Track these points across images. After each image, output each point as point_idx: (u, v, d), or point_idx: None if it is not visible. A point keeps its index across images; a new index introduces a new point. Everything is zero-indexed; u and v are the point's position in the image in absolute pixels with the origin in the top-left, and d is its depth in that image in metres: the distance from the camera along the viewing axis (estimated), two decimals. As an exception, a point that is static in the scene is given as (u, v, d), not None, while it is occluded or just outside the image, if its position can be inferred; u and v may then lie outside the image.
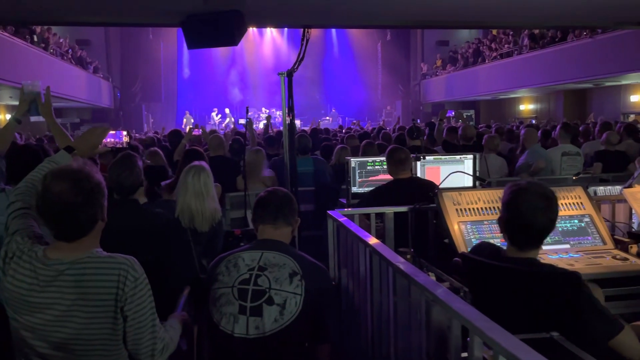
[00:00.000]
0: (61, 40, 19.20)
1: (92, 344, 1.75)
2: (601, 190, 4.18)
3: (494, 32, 22.42)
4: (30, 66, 14.72)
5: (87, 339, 1.74)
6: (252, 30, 23.55)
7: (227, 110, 24.23)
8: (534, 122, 15.39)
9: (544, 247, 2.99)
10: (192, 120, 22.59)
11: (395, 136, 7.33)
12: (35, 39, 15.81)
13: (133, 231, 2.80)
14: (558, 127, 6.76)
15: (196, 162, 3.35)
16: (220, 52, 24.67)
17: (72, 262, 1.74)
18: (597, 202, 3.40)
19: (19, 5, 5.54)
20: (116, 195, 3.01)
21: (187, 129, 7.47)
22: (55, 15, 6.18)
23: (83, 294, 1.72)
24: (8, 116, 18.86)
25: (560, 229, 3.13)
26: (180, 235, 3.10)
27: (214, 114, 24.11)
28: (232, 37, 5.79)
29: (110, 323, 1.74)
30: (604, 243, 3.08)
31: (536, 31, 17.85)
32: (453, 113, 14.69)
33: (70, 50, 19.62)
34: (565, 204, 3.22)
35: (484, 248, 2.30)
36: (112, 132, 5.28)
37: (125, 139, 6.55)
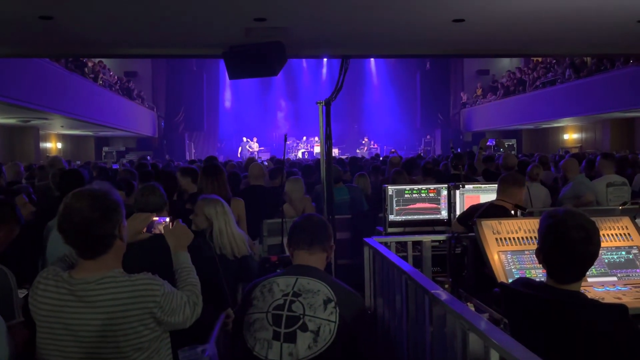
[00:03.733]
0: (111, 73, 20.06)
1: (125, 353, 1.82)
2: (650, 221, 4.01)
3: (535, 60, 22.12)
4: (81, 97, 15.38)
5: (120, 351, 1.82)
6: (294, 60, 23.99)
7: (244, 139, 24.75)
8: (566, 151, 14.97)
9: (589, 280, 2.88)
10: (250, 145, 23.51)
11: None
12: (87, 71, 16.55)
13: (161, 252, 2.89)
14: (598, 157, 6.57)
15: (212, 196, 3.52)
16: (261, 81, 25.18)
17: (97, 281, 1.83)
18: (646, 233, 3.26)
19: (71, 40, 5.86)
20: None
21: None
22: (106, 48, 6.50)
23: (112, 312, 1.80)
24: (59, 145, 19.71)
25: (606, 260, 3.01)
26: (208, 256, 3.15)
27: (250, 143, 24.50)
28: (272, 67, 5.94)
29: (143, 334, 1.83)
30: (654, 276, 2.94)
31: (577, 60, 17.52)
32: (494, 142, 14.47)
33: (118, 82, 20.45)
34: (612, 234, 3.10)
35: (524, 282, 2.22)
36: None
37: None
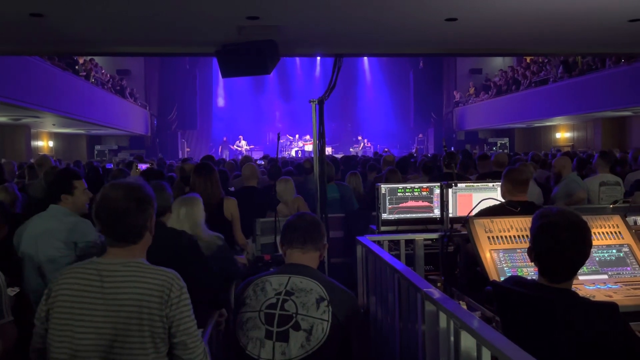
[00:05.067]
0: (103, 71, 19.95)
1: (130, 343, 1.83)
2: (642, 219, 4.04)
3: (528, 59, 22.22)
4: (73, 95, 15.29)
5: (126, 339, 1.83)
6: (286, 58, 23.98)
7: (224, 139, 24.83)
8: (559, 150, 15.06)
9: (581, 278, 2.89)
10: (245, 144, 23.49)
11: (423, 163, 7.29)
12: (78, 68, 16.45)
13: (163, 251, 2.88)
14: (596, 155, 6.60)
15: (188, 195, 3.58)
16: (254, 79, 25.17)
17: (124, 263, 1.89)
18: (637, 231, 3.28)
19: (62, 37, 5.82)
20: None
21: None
22: (98, 46, 6.46)
23: (132, 294, 1.84)
24: (51, 143, 19.59)
25: (597, 258, 3.02)
26: (202, 255, 3.16)
27: (240, 142, 24.50)
28: (265, 66, 5.93)
29: (152, 326, 1.84)
30: (645, 274, 2.96)
31: (571, 59, 17.62)
32: None
33: (110, 80, 20.34)
34: (603, 232, 3.12)
35: (516, 280, 2.23)
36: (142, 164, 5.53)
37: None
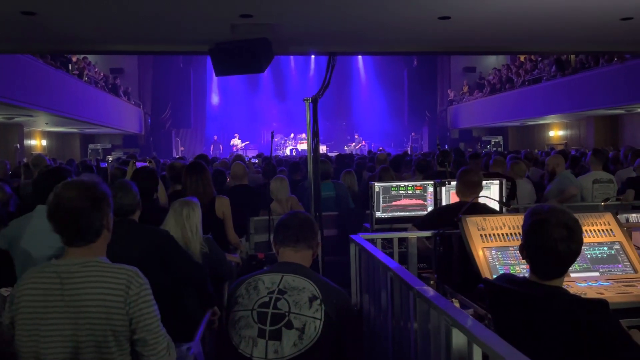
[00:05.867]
0: (96, 69, 19.85)
1: (96, 343, 1.83)
2: (633, 217, 4.07)
3: (522, 58, 22.29)
4: (66, 94, 15.21)
5: (91, 340, 1.83)
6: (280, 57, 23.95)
7: (215, 137, 24.85)
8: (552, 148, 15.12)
9: (572, 275, 2.91)
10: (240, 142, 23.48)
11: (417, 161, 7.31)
12: (71, 67, 16.36)
13: (137, 248, 2.89)
14: (589, 153, 6.64)
15: (187, 198, 3.55)
16: (248, 78, 25.14)
17: (82, 264, 1.87)
18: (628, 229, 3.30)
19: (55, 36, 5.79)
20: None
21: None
22: (90, 44, 6.43)
23: (92, 294, 1.83)
24: (44, 142, 19.49)
25: (588, 256, 3.04)
26: (181, 249, 3.16)
27: (235, 140, 24.47)
28: (259, 64, 5.92)
29: (114, 325, 1.83)
30: (635, 271, 2.98)
31: (564, 57, 17.68)
32: None
33: (104, 78, 20.25)
34: (594, 230, 3.14)
35: (507, 278, 2.24)
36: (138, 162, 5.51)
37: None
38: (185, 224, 3.36)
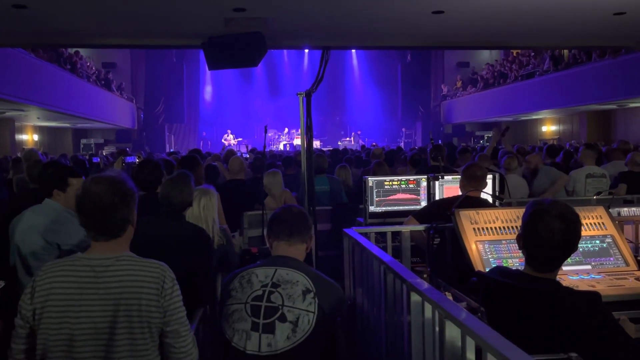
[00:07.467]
0: (88, 64, 19.71)
1: (130, 335, 1.86)
2: (625, 211, 4.09)
3: (515, 53, 22.33)
4: (58, 88, 15.09)
5: (126, 333, 1.85)
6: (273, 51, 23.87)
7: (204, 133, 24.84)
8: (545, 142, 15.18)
9: (564, 268, 2.92)
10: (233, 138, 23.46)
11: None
12: (63, 61, 16.23)
13: (177, 242, 2.95)
14: (581, 148, 6.70)
15: (204, 186, 3.57)
16: (242, 73, 25.04)
17: (116, 258, 1.91)
18: (620, 223, 3.32)
19: (46, 29, 5.74)
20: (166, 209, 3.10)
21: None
22: (82, 38, 6.38)
23: (129, 288, 1.87)
24: (36, 137, 19.35)
25: (581, 249, 3.06)
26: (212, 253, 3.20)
27: (227, 136, 24.40)
28: (252, 58, 5.89)
29: (149, 317, 1.87)
30: (627, 264, 3.00)
31: (557, 52, 17.74)
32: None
33: (96, 73, 20.11)
34: (586, 224, 3.15)
35: (500, 271, 2.25)
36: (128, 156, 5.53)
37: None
38: (201, 214, 3.36)
